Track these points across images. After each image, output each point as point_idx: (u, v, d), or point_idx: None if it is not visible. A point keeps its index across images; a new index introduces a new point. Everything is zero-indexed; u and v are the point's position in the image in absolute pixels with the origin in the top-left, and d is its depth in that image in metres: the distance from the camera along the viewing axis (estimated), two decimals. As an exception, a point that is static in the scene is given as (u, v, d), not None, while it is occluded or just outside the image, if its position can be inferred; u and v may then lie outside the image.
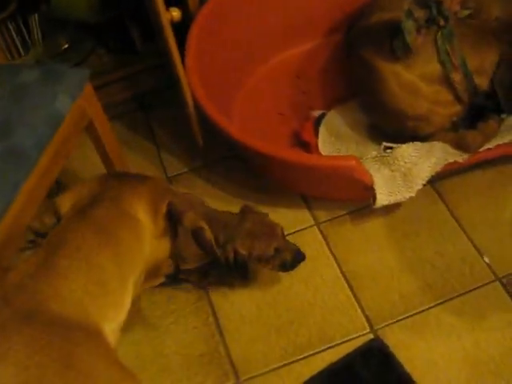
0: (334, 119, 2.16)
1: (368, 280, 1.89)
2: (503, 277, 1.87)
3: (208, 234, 1.53)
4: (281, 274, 1.88)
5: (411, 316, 1.81)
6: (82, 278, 1.29)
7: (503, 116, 2.07)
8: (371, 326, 1.80)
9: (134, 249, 1.39)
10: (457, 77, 1.93)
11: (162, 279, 1.67)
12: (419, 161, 1.87)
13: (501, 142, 1.97)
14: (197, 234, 1.52)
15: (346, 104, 2.20)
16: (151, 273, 1.50)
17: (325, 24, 2.46)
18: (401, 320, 1.80)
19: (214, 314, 1.85)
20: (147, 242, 1.43)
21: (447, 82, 1.93)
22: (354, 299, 1.85)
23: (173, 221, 1.50)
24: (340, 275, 1.90)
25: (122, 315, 1.35)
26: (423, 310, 1.82)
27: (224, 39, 2.24)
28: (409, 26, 1.89)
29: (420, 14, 1.92)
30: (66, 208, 1.44)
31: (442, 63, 1.91)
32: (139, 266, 1.40)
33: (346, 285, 1.88)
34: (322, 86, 2.34)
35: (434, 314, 1.81)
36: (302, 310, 1.84)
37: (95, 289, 1.30)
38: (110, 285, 1.32)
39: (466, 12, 1.97)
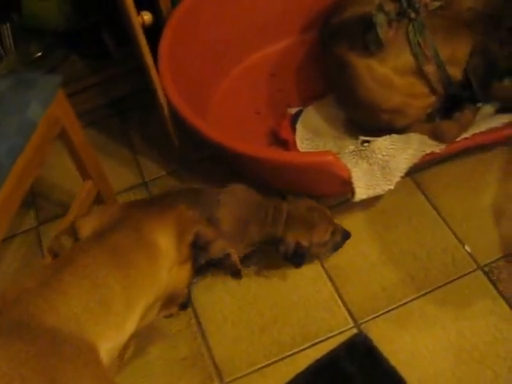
0: (310, 116, 2.16)
1: (350, 275, 1.89)
2: (485, 265, 1.87)
3: (235, 259, 1.53)
4: (262, 274, 1.88)
5: (394, 309, 1.81)
6: (84, 296, 1.27)
7: (479, 105, 2.07)
8: (355, 321, 1.79)
9: (147, 275, 1.36)
10: (430, 68, 1.93)
11: (176, 308, 1.59)
12: (396, 153, 1.87)
13: (477, 131, 1.97)
14: (225, 260, 1.52)
15: (322, 100, 2.20)
16: (168, 301, 1.46)
17: (299, 21, 2.46)
18: (384, 313, 1.80)
19: (196, 316, 1.84)
20: (165, 269, 1.39)
21: (421, 73, 1.93)
22: (336, 295, 1.85)
23: (197, 249, 1.48)
24: (322, 271, 1.90)
25: (121, 337, 1.31)
26: (406, 302, 1.82)
27: (197, 41, 2.22)
28: (380, 19, 1.89)
29: (391, 7, 1.92)
30: (86, 232, 1.42)
31: (415, 55, 1.91)
32: (152, 293, 1.37)
33: (328, 280, 1.88)
34: (297, 83, 2.34)
35: (418, 305, 1.81)
36: (284, 308, 1.84)
37: (96, 307, 1.27)
38: (114, 306, 1.29)
39: (437, 3, 1.97)
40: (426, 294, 1.83)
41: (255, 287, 1.88)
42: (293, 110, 2.19)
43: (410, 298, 1.82)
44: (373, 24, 1.88)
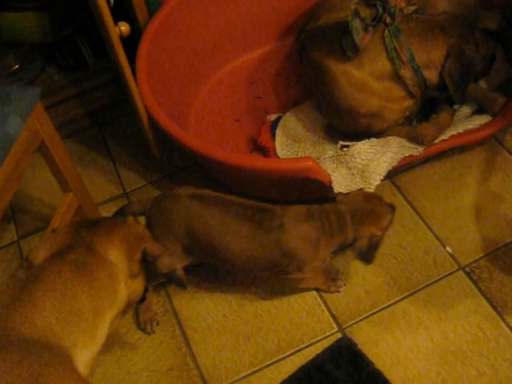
0: (289, 122, 2.17)
1: (334, 281, 1.90)
2: (466, 265, 1.89)
3: (180, 273, 1.55)
4: (246, 281, 1.89)
5: (378, 312, 1.82)
6: (55, 306, 1.32)
7: (456, 107, 2.09)
8: (339, 325, 1.80)
9: (109, 288, 1.41)
10: (406, 73, 1.94)
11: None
12: (375, 157, 1.88)
13: (455, 133, 1.99)
14: (171, 275, 1.54)
15: (300, 106, 2.22)
16: (126, 308, 1.52)
17: (276, 28, 2.47)
18: (368, 316, 1.81)
19: (180, 326, 1.84)
20: (123, 284, 1.45)
21: (397, 78, 1.94)
22: (320, 300, 1.85)
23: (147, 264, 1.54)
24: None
25: (94, 346, 1.36)
26: (389, 305, 1.83)
27: (175, 50, 2.23)
28: (356, 25, 1.90)
29: (366, 13, 1.94)
30: (40, 260, 1.44)
31: (391, 60, 1.92)
32: (116, 305, 1.42)
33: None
34: (276, 90, 2.35)
35: (401, 307, 1.82)
36: (269, 314, 1.84)
37: (67, 316, 1.32)
38: (84, 314, 1.34)
39: (412, 8, 1.98)
40: (409, 295, 1.84)
41: (238, 295, 1.88)
42: (272, 117, 2.20)
43: (392, 301, 1.83)
44: (349, 30, 1.89)
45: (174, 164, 2.23)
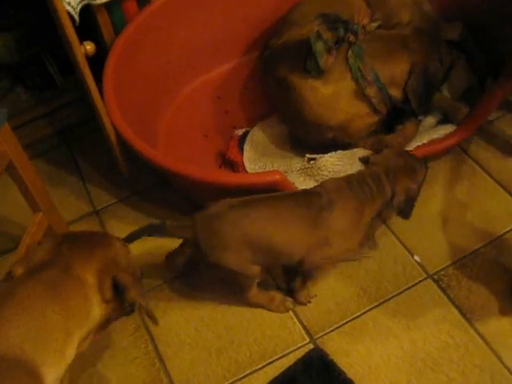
0: (257, 136, 2.19)
1: (303, 291, 1.91)
2: (434, 273, 1.92)
3: (148, 310, 1.55)
4: (217, 295, 1.90)
5: (348, 322, 1.84)
6: (26, 324, 1.32)
7: (420, 117, 2.12)
8: (310, 337, 1.82)
9: (81, 309, 1.42)
10: (372, 91, 1.96)
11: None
12: (342, 169, 1.91)
13: (420, 143, 2.02)
14: (137, 306, 1.54)
15: (268, 120, 2.24)
16: (100, 329, 1.52)
17: (242, 43, 2.50)
18: (338, 327, 1.83)
19: (153, 341, 1.84)
20: (96, 306, 1.45)
21: (363, 96, 1.97)
22: (291, 311, 1.87)
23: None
24: (261, 291, 1.87)
25: (63, 364, 1.36)
26: (359, 315, 1.85)
27: (142, 67, 2.24)
28: (319, 48, 1.93)
29: (328, 35, 1.96)
30: (19, 274, 1.45)
31: (356, 80, 1.95)
32: (87, 325, 1.43)
33: (279, 296, 1.88)
34: (243, 105, 2.38)
35: (371, 317, 1.84)
36: (241, 327, 1.85)
37: (38, 335, 1.32)
38: (54, 334, 1.35)
39: (375, 24, 2.00)
40: (379, 305, 1.86)
41: (210, 309, 1.89)
42: (240, 131, 2.22)
43: (363, 311, 1.85)
44: (312, 52, 1.91)
45: (144, 181, 2.24)
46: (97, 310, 1.45)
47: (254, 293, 1.83)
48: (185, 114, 2.36)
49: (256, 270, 1.73)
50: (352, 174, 1.77)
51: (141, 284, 1.58)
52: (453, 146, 2.12)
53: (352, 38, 1.96)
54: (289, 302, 1.86)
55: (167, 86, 2.35)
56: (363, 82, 1.94)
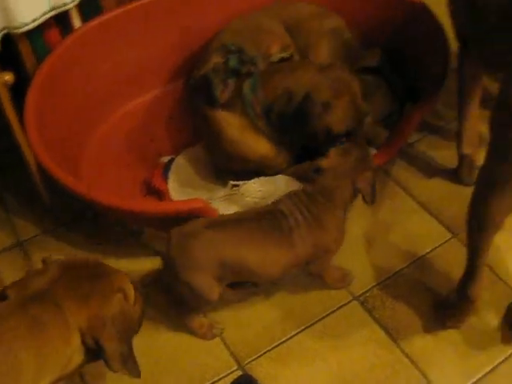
0: (182, 164, 2.19)
1: (230, 316, 1.91)
2: (360, 295, 1.95)
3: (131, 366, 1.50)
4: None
5: (276, 347, 1.84)
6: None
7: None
8: (238, 363, 1.81)
9: (59, 355, 1.37)
10: (263, 124, 1.98)
11: None
12: (265, 195, 1.92)
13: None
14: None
15: (192, 147, 2.25)
16: (72, 375, 1.48)
17: (167, 71, 2.51)
18: (266, 352, 1.83)
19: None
20: (77, 354, 1.41)
21: (258, 129, 1.98)
22: (218, 338, 1.86)
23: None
24: (202, 316, 1.89)
25: None
26: (287, 339, 1.86)
27: (65, 96, 2.22)
28: (215, 79, 1.95)
29: (224, 66, 1.98)
30: (12, 297, 1.41)
31: (247, 113, 1.96)
32: (60, 371, 1.38)
33: (207, 322, 1.87)
34: (168, 132, 2.38)
35: (297, 341, 1.85)
36: (169, 357, 1.83)
37: (9, 371, 1.29)
38: (25, 374, 1.31)
39: (281, 55, 2.02)
40: (305, 328, 1.88)
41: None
42: (165, 159, 2.22)
43: (289, 335, 1.86)
44: (209, 84, 1.94)
45: (69, 211, 2.20)
46: (74, 359, 1.41)
47: (192, 316, 1.83)
48: (110, 143, 2.35)
49: (216, 296, 1.74)
50: (303, 192, 1.81)
51: (129, 341, 1.50)
52: (375, 168, 2.17)
53: (250, 68, 1.97)
54: (216, 328, 1.86)
55: (92, 114, 2.34)
56: (253, 115, 1.96)
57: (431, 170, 2.30)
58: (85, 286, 1.44)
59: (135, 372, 1.48)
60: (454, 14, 1.98)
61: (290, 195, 1.80)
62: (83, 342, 1.41)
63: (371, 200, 1.80)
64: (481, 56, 1.92)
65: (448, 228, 2.12)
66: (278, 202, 1.79)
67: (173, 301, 1.85)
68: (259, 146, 1.99)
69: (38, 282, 1.43)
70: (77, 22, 2.29)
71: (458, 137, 2.18)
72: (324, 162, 1.79)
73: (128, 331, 1.50)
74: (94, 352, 1.43)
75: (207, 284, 1.70)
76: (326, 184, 1.78)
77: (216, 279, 1.71)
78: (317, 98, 1.87)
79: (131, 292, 1.52)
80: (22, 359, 1.31)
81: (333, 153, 1.80)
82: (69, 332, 1.38)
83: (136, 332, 1.57)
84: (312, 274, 1.89)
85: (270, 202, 1.84)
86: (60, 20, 2.21)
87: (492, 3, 1.68)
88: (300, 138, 1.95)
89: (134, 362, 1.49)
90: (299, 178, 1.95)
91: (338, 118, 1.89)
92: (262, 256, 1.72)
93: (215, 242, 1.68)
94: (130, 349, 1.48)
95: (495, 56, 1.68)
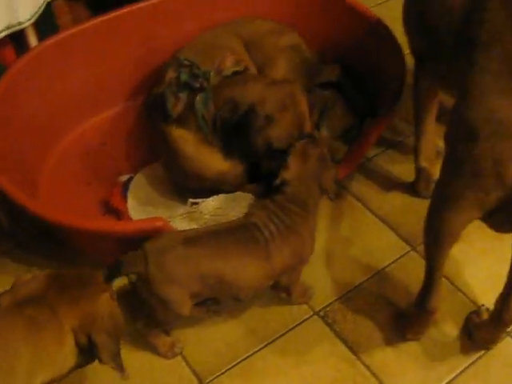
0: (141, 182, 2.18)
1: (192, 334, 1.90)
2: (320, 310, 1.96)
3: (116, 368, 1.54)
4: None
5: (238, 363, 1.84)
6: None
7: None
8: (200, 381, 1.80)
9: (52, 354, 1.42)
10: (216, 139, 1.98)
11: None
12: (225, 212, 1.92)
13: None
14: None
15: (151, 165, 2.24)
16: (64, 376, 1.50)
17: (125, 88, 2.51)
18: (229, 369, 1.83)
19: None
20: (70, 354, 1.46)
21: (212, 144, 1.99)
22: (180, 356, 1.85)
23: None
24: (162, 334, 1.87)
25: None
26: (249, 356, 1.85)
27: (22, 114, 2.21)
28: (167, 94, 1.96)
29: (176, 80, 1.98)
30: (5, 304, 1.45)
31: (200, 128, 1.97)
32: (53, 371, 1.43)
33: (170, 340, 1.86)
34: (127, 150, 2.37)
35: (260, 357, 1.85)
36: (132, 377, 1.75)
37: (2, 370, 1.33)
38: (19, 373, 1.35)
39: (233, 69, 2.02)
40: (267, 345, 1.88)
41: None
42: (124, 178, 2.20)
43: (252, 351, 1.86)
44: (163, 98, 1.95)
45: (26, 232, 2.17)
46: (68, 359, 1.46)
47: (157, 333, 1.82)
48: (68, 161, 2.33)
49: (188, 311, 1.74)
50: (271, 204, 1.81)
51: (117, 340, 1.54)
52: (334, 183, 2.18)
53: (203, 83, 1.97)
54: (177, 347, 1.85)
55: (49, 132, 2.32)
56: (207, 130, 1.96)
57: (389, 183, 2.33)
58: (74, 291, 1.49)
59: (121, 369, 1.53)
60: (409, 32, 2.02)
61: (263, 207, 1.81)
62: (76, 343, 1.46)
63: (335, 195, 1.83)
64: (436, 72, 1.96)
65: (406, 241, 2.14)
66: (251, 215, 1.80)
67: (138, 318, 1.83)
68: (214, 162, 2.00)
69: (30, 289, 1.48)
70: (33, 40, 2.29)
71: (415, 151, 2.21)
72: (286, 175, 1.80)
73: (116, 328, 1.54)
74: (85, 354, 1.49)
75: (181, 300, 1.70)
76: (296, 193, 1.79)
77: (193, 295, 1.71)
78: (261, 110, 1.88)
79: (114, 294, 1.59)
80: (18, 355, 1.36)
81: (292, 162, 1.81)
82: (63, 333, 1.44)
83: (122, 332, 1.59)
84: (280, 287, 1.89)
85: (240, 216, 1.85)
86: (15, 39, 2.20)
87: (444, 22, 1.71)
88: (243, 150, 1.95)
89: (121, 361, 1.53)
90: (259, 195, 1.96)
91: (279, 133, 1.89)
92: (240, 269, 1.72)
93: (192, 258, 1.68)
94: (118, 348, 1.53)
95: (450, 73, 1.72)
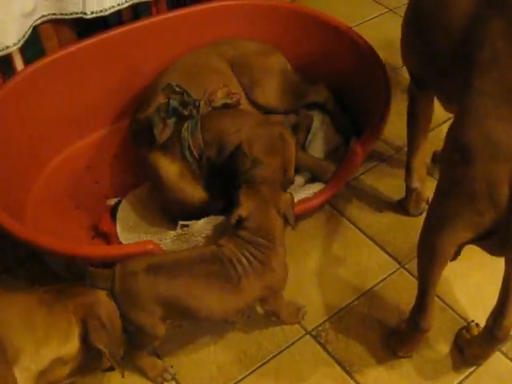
0: (129, 205, 2.17)
1: (184, 358, 1.89)
2: (312, 329, 1.96)
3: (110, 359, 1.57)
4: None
5: (231, 387, 1.83)
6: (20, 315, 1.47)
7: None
8: (194, 405, 1.80)
9: (64, 330, 1.51)
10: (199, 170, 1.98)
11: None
12: (215, 233, 1.92)
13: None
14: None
15: (140, 188, 2.23)
16: (79, 368, 1.58)
17: (109, 112, 2.50)
18: (221, 393, 1.82)
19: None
20: (74, 336, 1.53)
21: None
22: (174, 382, 1.84)
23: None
24: (151, 356, 1.86)
25: (37, 360, 1.45)
26: (241, 379, 1.84)
27: (7, 139, 2.18)
28: (155, 118, 1.95)
29: (165, 106, 1.97)
30: None
31: (185, 156, 1.97)
32: (64, 347, 1.50)
33: (161, 365, 1.85)
34: (114, 174, 2.36)
35: (253, 380, 1.84)
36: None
37: (25, 326, 1.45)
38: (38, 330, 1.46)
39: (223, 101, 2.01)
40: (260, 366, 1.87)
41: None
42: (112, 201, 2.19)
43: (244, 374, 1.85)
44: (150, 123, 1.95)
45: (13, 256, 2.16)
46: (74, 341, 1.52)
47: (144, 354, 1.81)
48: (54, 186, 2.31)
49: (161, 332, 1.72)
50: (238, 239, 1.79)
51: (116, 340, 1.60)
52: (323, 203, 2.19)
53: (192, 111, 1.96)
54: (168, 373, 1.84)
55: (35, 157, 2.30)
56: (191, 160, 1.96)
57: (377, 201, 2.34)
58: (75, 290, 1.60)
59: (116, 362, 1.57)
60: (408, 54, 1.99)
61: (230, 238, 1.79)
62: (80, 337, 1.53)
63: (294, 222, 1.82)
64: (438, 90, 1.94)
65: (395, 259, 2.15)
66: (221, 246, 1.77)
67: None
68: (197, 192, 2.00)
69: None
70: (19, 64, 2.28)
71: (407, 171, 2.21)
72: (241, 211, 1.78)
73: (112, 321, 1.61)
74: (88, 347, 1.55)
75: (150, 322, 1.69)
76: (258, 225, 1.77)
77: (160, 319, 1.70)
78: (248, 152, 1.86)
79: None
80: (35, 321, 1.47)
81: (243, 198, 1.79)
82: (69, 316, 1.53)
83: (120, 335, 1.66)
84: (267, 313, 1.89)
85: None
86: (1, 63, 2.19)
87: (443, 43, 1.70)
88: (225, 188, 1.94)
89: (118, 356, 1.61)
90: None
91: (264, 176, 1.86)
92: (206, 301, 1.71)
93: (155, 286, 1.67)
94: (115, 344, 1.59)
95: (450, 91, 1.71)
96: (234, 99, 2.02)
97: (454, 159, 1.50)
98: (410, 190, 2.23)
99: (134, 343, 1.77)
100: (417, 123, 2.11)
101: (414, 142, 2.15)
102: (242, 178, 1.85)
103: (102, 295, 1.62)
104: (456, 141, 1.51)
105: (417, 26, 1.86)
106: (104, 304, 1.61)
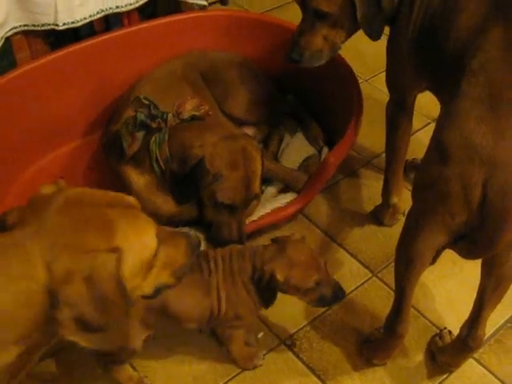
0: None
1: (160, 368, 1.89)
2: (286, 338, 1.97)
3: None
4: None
5: (205, 398, 1.83)
6: None
7: (262, 187, 2.18)
8: (167, 419, 1.79)
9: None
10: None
11: None
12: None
13: (263, 213, 2.08)
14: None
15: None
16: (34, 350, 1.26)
17: (83, 123, 2.49)
18: (195, 404, 1.82)
19: None
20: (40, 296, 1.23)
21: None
22: (148, 392, 1.84)
23: None
24: (129, 367, 1.84)
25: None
26: (216, 390, 1.85)
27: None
28: (124, 132, 1.96)
29: (133, 119, 1.97)
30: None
31: (153, 167, 1.98)
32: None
33: (137, 377, 1.84)
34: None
35: (228, 390, 1.85)
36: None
37: None
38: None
39: (192, 113, 2.00)
40: (235, 376, 1.87)
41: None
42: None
43: (220, 384, 1.86)
44: (119, 137, 1.96)
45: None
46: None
47: (120, 368, 1.79)
48: (27, 198, 2.27)
49: (139, 343, 1.71)
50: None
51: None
52: (295, 213, 2.21)
53: (160, 124, 1.96)
54: None
55: (6, 169, 2.28)
56: (159, 172, 1.97)
57: (350, 210, 2.36)
58: (73, 235, 1.20)
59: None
60: (402, 71, 1.94)
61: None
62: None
63: (259, 287, 1.75)
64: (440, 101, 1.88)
65: (367, 267, 2.17)
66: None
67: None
68: (167, 204, 2.00)
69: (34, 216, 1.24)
70: (-11, 76, 2.27)
71: (385, 188, 2.22)
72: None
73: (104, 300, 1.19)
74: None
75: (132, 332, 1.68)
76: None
77: (142, 324, 1.69)
78: (210, 167, 1.87)
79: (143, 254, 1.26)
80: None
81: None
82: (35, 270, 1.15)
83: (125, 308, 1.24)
84: (219, 337, 1.87)
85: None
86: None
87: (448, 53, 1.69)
88: (190, 198, 1.96)
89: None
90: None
91: (225, 191, 1.89)
92: (184, 299, 1.70)
93: None
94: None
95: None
96: (203, 111, 2.01)
97: (433, 158, 1.52)
98: (387, 205, 2.24)
99: (111, 357, 1.76)
100: (396, 142, 2.11)
101: (392, 160, 2.16)
102: (203, 192, 1.87)
103: None
104: (436, 141, 1.53)
105: (422, 44, 1.83)
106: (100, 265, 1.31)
